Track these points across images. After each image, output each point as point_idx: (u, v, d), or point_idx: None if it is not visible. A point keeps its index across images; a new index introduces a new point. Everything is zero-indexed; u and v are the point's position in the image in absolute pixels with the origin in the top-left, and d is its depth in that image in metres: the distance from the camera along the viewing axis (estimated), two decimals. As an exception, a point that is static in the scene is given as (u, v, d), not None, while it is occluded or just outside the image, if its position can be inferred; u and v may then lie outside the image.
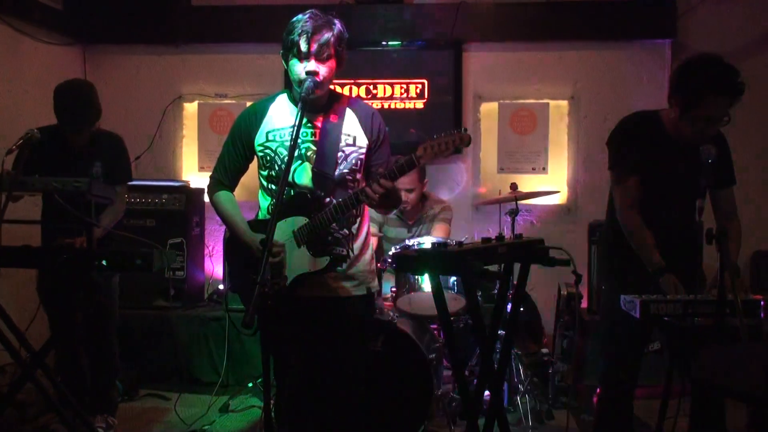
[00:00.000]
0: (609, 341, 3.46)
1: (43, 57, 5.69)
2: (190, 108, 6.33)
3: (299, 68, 2.87)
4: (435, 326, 4.42)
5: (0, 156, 3.37)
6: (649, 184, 3.27)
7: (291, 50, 2.88)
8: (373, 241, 4.81)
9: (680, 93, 3.12)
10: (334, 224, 2.95)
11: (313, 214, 2.91)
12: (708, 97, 3.03)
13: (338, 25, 2.91)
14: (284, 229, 2.93)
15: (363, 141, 3.04)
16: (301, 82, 2.88)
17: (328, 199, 2.95)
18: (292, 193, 2.97)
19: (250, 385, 5.02)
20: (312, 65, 2.85)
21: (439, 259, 2.66)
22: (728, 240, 3.03)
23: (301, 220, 2.93)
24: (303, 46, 2.84)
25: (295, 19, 2.89)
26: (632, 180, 3.27)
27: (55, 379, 3.83)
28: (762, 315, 2.85)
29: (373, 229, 4.74)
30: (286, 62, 2.94)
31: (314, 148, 2.98)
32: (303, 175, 2.98)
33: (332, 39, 2.87)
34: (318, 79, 2.86)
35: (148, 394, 5.02)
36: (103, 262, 3.21)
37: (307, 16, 2.88)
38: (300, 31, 2.84)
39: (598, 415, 3.56)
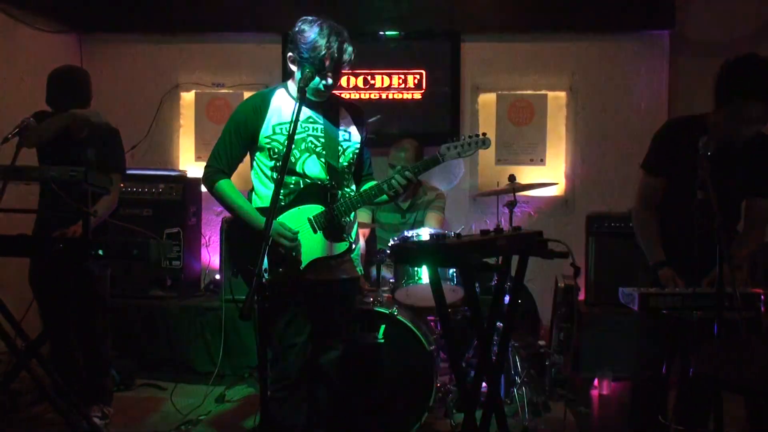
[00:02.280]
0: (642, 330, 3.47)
1: (39, 45, 5.65)
2: (188, 97, 6.30)
3: (316, 79, 3.01)
4: (432, 318, 4.41)
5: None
6: (683, 188, 3.25)
7: (311, 62, 2.97)
8: (365, 231, 4.83)
9: (717, 88, 3.13)
10: None
11: (332, 203, 3.08)
12: (738, 98, 3.03)
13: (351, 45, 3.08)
14: (299, 216, 3.08)
15: (357, 137, 3.26)
16: (307, 85, 2.98)
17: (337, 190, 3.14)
18: (302, 184, 3.09)
19: (246, 375, 5.01)
20: (330, 81, 3.05)
21: (438, 252, 2.66)
22: (737, 241, 3.04)
23: (316, 209, 3.07)
24: (328, 65, 3.00)
25: (316, 35, 2.97)
26: (653, 180, 3.37)
27: (50, 368, 3.82)
28: (762, 308, 2.84)
29: (366, 218, 4.73)
30: (300, 68, 3.03)
31: (319, 141, 3.13)
32: (313, 166, 3.11)
33: (350, 63, 3.10)
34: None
35: (144, 383, 5.01)
36: (100, 252, 3.20)
37: (333, 36, 2.99)
38: (326, 51, 2.97)
39: (631, 401, 3.60)
